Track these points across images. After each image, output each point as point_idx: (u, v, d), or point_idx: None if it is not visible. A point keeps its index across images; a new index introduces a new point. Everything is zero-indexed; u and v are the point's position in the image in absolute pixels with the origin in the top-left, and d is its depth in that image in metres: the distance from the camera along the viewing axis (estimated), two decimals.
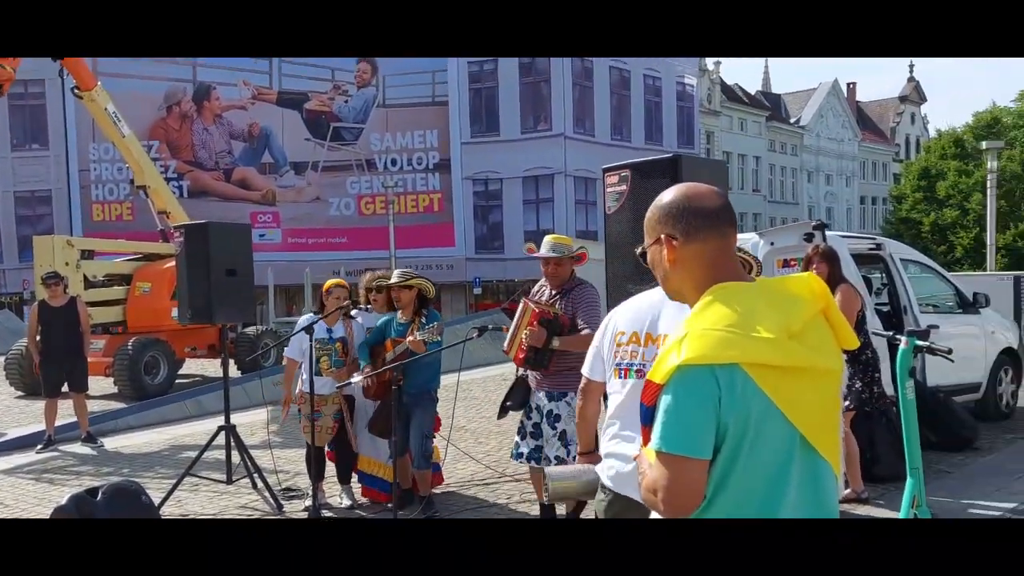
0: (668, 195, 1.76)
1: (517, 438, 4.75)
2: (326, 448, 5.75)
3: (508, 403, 4.78)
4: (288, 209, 31.90)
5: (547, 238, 4.63)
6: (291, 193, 32.04)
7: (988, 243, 18.15)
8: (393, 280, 5.34)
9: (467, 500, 5.89)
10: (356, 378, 4.91)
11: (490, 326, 4.90)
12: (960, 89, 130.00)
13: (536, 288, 4.81)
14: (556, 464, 4.47)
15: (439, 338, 5.06)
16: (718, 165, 3.82)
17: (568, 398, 4.50)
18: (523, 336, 4.34)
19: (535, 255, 4.62)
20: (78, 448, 8.00)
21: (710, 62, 40.16)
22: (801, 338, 1.60)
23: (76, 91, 12.51)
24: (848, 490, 5.42)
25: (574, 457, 4.55)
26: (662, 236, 1.74)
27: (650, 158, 3.61)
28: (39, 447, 7.89)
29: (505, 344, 4.63)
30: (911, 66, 71.82)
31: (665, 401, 1.57)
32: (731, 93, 42.77)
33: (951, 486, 5.88)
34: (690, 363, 1.54)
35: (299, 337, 5.49)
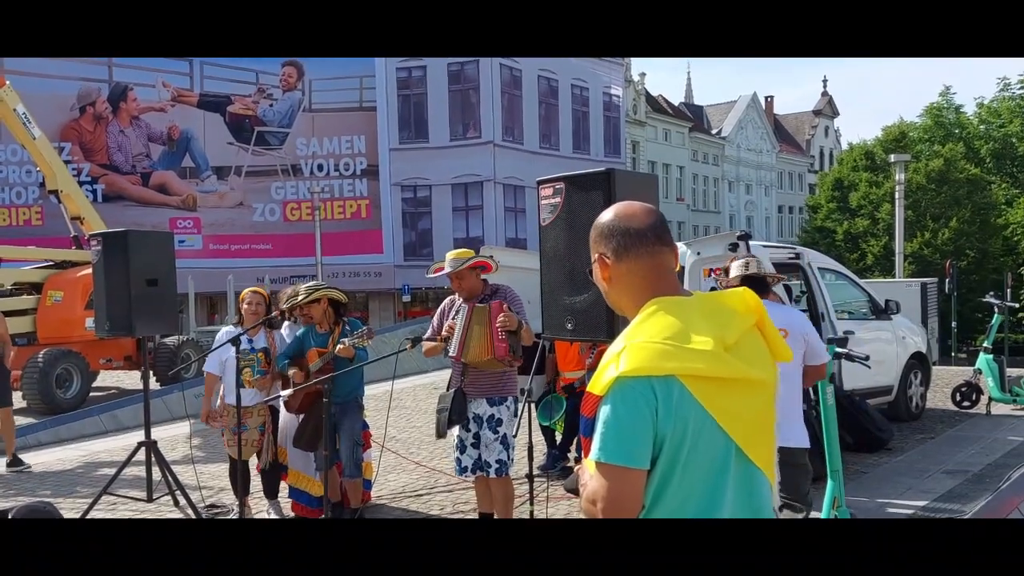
0: (605, 215, 1.81)
1: (457, 453, 4.74)
2: (256, 462, 5.61)
3: (452, 418, 4.75)
4: (209, 215, 31.06)
5: (447, 256, 4.65)
6: (213, 198, 31.20)
7: (896, 251, 18.96)
8: (300, 299, 5.25)
9: (400, 512, 5.84)
10: (285, 392, 4.81)
11: (424, 337, 4.86)
12: (870, 104, 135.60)
13: (448, 301, 4.81)
14: (500, 467, 4.47)
15: (369, 343, 5.03)
16: (649, 179, 3.88)
17: (508, 402, 4.56)
18: (500, 322, 4.34)
19: (440, 273, 4.66)
20: None
21: (635, 73, 40.91)
22: (736, 350, 1.65)
23: None
24: None
25: (513, 460, 4.58)
26: (597, 255, 1.79)
27: (584, 171, 3.61)
28: None
29: (452, 350, 4.57)
30: (824, 81, 74.88)
31: (604, 412, 1.60)
32: (655, 104, 43.62)
33: (867, 486, 6.12)
34: (628, 375, 1.58)
35: (218, 351, 5.37)
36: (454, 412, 4.57)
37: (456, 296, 4.74)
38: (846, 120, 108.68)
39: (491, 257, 6.64)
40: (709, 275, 6.66)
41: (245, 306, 5.45)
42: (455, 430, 4.69)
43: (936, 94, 54.82)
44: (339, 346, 5.00)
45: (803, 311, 8.08)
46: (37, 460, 7.93)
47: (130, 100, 30.98)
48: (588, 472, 1.64)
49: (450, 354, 4.56)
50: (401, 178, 30.85)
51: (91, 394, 12.22)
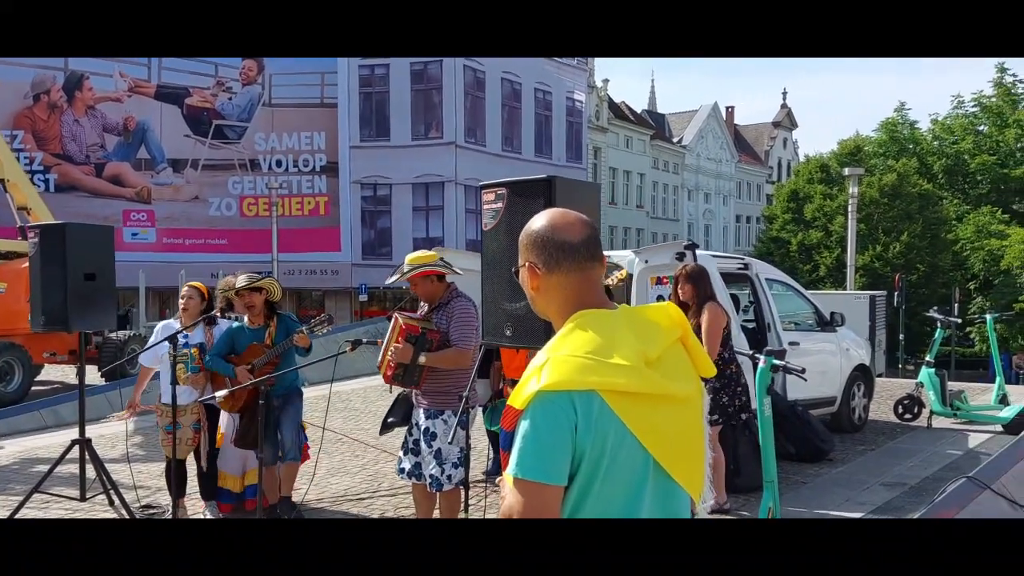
0: (537, 221, 1.78)
1: (400, 453, 4.70)
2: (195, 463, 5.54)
3: (390, 419, 4.72)
4: (164, 208, 30.50)
5: (406, 258, 4.61)
6: (168, 191, 30.64)
7: (848, 263, 19.32)
8: (241, 284, 5.16)
9: (340, 515, 5.77)
10: (220, 394, 4.73)
11: (364, 340, 4.81)
12: (828, 117, 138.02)
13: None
14: (432, 482, 4.41)
15: (328, 329, 5.02)
16: (590, 187, 3.89)
17: (444, 416, 4.45)
18: (390, 353, 4.29)
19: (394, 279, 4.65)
20: None
21: (599, 79, 41.14)
22: (658, 365, 1.65)
23: None
24: (711, 501, 5.64)
25: (448, 476, 4.48)
26: (527, 263, 1.77)
27: (526, 178, 3.64)
28: None
29: (378, 359, 4.57)
30: (784, 93, 76.11)
31: (523, 427, 1.59)
32: (618, 111, 43.93)
33: (805, 496, 6.20)
34: (549, 389, 1.56)
35: (156, 347, 5.29)
36: (393, 414, 4.53)
37: None
38: (804, 132, 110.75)
39: (442, 259, 6.62)
40: (656, 283, 6.72)
41: (180, 301, 5.38)
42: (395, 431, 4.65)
43: (892, 110, 56.02)
44: (296, 335, 4.95)
45: (750, 321, 8.22)
46: None
47: (86, 89, 30.30)
48: (507, 486, 1.63)
49: (378, 363, 4.54)
50: (361, 176, 30.62)
51: (34, 388, 11.92)
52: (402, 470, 4.64)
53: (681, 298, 5.63)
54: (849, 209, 19.64)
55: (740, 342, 6.61)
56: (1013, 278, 28.55)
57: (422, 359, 4.29)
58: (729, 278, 7.53)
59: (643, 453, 1.62)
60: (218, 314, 5.60)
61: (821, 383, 7.99)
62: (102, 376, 12.04)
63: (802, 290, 8.83)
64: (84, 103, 30.30)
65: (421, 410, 4.51)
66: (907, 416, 9.31)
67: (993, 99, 34.84)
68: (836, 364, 8.31)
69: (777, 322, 7.64)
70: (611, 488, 1.60)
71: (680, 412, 1.69)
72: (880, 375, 12.92)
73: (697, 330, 5.43)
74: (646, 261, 6.77)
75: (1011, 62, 33.85)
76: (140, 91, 30.51)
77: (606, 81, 42.08)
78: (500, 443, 1.73)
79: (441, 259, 4.61)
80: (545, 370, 1.59)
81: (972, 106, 35.59)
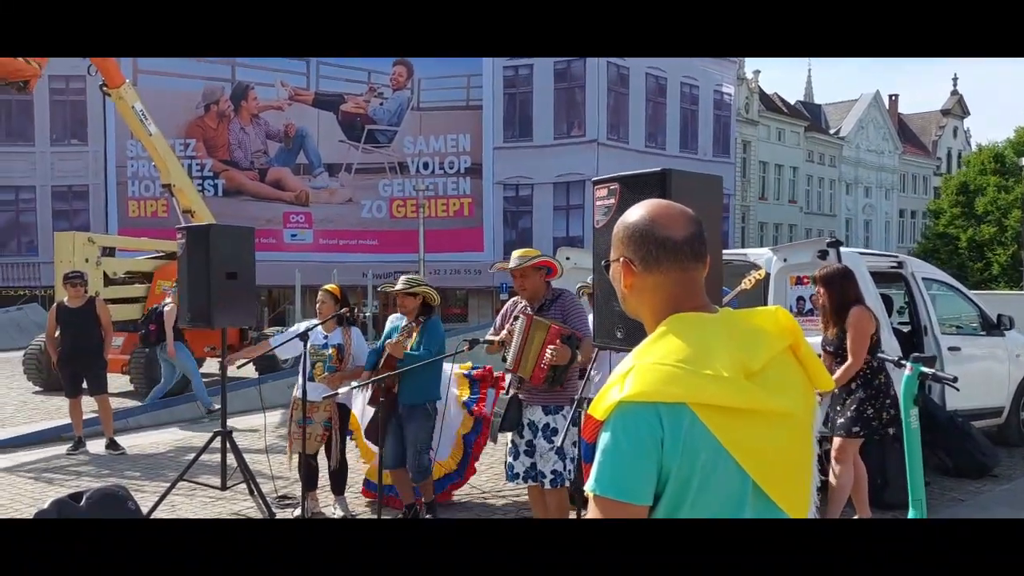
0: (636, 213, 1.61)
1: (510, 459, 4.64)
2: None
3: (504, 424, 4.67)
4: (320, 210, 32.15)
5: (513, 254, 4.56)
6: (324, 194, 32.28)
7: None
8: (398, 287, 5.30)
9: (464, 512, 5.80)
10: (344, 389, 4.85)
11: (482, 339, 4.78)
12: (1004, 104, 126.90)
13: (511, 303, 4.73)
14: (555, 478, 4.35)
15: (409, 341, 5.07)
16: (710, 180, 3.62)
17: (564, 411, 4.39)
18: (548, 355, 4.21)
19: (502, 269, 4.61)
20: (92, 447, 7.94)
21: (749, 71, 39.71)
22: (761, 377, 1.47)
23: (104, 88, 12.61)
24: (856, 516, 5.24)
25: (570, 471, 4.43)
26: (622, 258, 1.61)
27: (639, 172, 3.45)
28: (69, 447, 7.82)
29: (509, 361, 4.49)
30: (955, 79, 70.61)
31: (603, 440, 1.44)
32: (770, 103, 42.22)
33: (963, 515, 5.66)
34: (632, 400, 1.42)
35: (288, 335, 5.52)
36: (507, 419, 4.47)
37: (519, 298, 4.66)
38: (977, 121, 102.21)
39: (567, 259, 6.50)
40: (796, 283, 6.32)
41: (316, 304, 5.56)
42: (508, 435, 4.60)
43: None
44: (388, 341, 5.05)
45: (904, 324, 7.60)
46: (135, 442, 8.33)
47: (251, 99, 32.43)
48: (590, 501, 1.52)
49: (507, 365, 4.47)
50: (504, 177, 31.05)
51: None
52: (516, 475, 4.57)
53: (821, 301, 5.26)
54: None
55: (892, 347, 6.09)
56: None
57: (579, 358, 4.27)
58: (881, 278, 6.99)
59: (741, 474, 1.45)
60: (348, 314, 5.75)
61: (986, 392, 7.29)
62: (256, 370, 12.69)
63: (965, 290, 8.08)
64: (249, 112, 32.43)
65: (539, 407, 4.43)
66: None
67: None
68: (1003, 371, 7.55)
69: (935, 325, 7.02)
70: (703, 511, 1.43)
71: (782, 430, 1.50)
72: None
73: (843, 336, 5.05)
74: (785, 260, 6.36)
75: None
76: (299, 99, 32.29)
77: (757, 72, 40.53)
78: (582, 454, 1.61)
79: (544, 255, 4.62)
80: (629, 378, 1.44)
81: None
